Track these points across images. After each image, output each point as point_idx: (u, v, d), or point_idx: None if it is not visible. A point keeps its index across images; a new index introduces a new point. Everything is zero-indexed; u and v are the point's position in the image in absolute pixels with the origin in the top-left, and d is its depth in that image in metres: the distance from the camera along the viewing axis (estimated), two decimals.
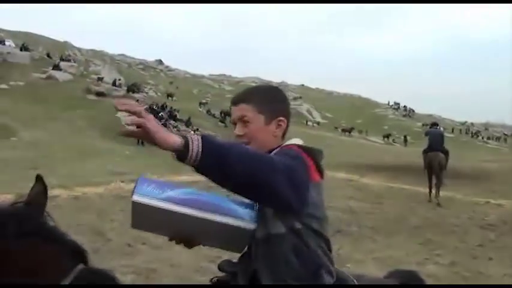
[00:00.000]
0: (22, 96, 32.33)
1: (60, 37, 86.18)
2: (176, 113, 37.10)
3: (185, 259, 5.56)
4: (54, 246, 1.11)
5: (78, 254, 1.16)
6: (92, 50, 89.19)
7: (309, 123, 67.58)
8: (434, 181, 11.53)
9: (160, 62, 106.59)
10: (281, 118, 1.77)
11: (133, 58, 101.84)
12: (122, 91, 40.98)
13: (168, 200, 1.44)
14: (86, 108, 32.41)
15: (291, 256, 1.57)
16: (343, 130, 64.59)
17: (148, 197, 1.42)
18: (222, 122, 42.39)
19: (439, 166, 11.48)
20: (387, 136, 66.13)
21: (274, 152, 1.66)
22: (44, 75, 40.78)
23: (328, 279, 1.63)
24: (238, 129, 1.76)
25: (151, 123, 1.28)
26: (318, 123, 71.91)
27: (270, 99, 1.80)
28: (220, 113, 43.55)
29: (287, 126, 1.81)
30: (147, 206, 1.43)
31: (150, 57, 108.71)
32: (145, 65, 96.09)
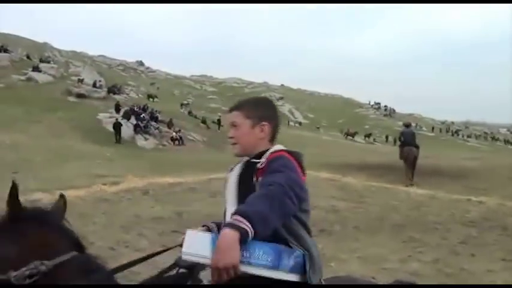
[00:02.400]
0: (1, 98, 31.89)
1: (39, 38, 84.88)
2: (158, 114, 36.91)
3: (170, 262, 5.50)
4: (60, 236, 1.60)
5: (78, 246, 1.63)
6: (72, 51, 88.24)
7: (291, 123, 67.76)
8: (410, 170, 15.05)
9: (141, 63, 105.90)
10: (264, 123, 2.05)
11: (113, 59, 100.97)
12: (103, 92, 40.69)
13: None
14: (67, 110, 32.11)
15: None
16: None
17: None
18: (203, 122, 42.29)
19: (413, 157, 15.12)
20: (368, 135, 66.53)
21: (269, 160, 1.92)
22: (23, 77, 40.35)
23: None
24: (230, 132, 2.09)
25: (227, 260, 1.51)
26: (300, 123, 72.16)
27: (257, 107, 2.12)
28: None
29: (275, 130, 2.10)
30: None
31: (131, 58, 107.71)
32: (125, 66, 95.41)
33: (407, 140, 15.52)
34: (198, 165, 18.03)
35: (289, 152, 1.97)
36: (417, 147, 15.49)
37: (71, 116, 30.43)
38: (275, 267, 1.62)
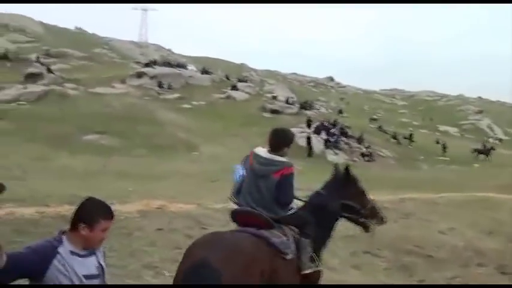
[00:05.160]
0: (203, 114, 34.77)
1: (237, 60, 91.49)
2: (347, 129, 36.70)
3: None
4: None
5: None
6: (266, 70, 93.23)
7: (490, 139, 61.88)
8: None
9: (331, 79, 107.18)
10: None
11: (304, 76, 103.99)
12: (295, 108, 41.88)
13: None
14: (262, 125, 33.66)
15: None
16: None
17: None
18: (394, 138, 40.90)
19: None
20: None
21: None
22: (223, 95, 43.49)
23: None
24: None
25: None
26: (500, 139, 65.37)
27: None
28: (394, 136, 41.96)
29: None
30: None
31: (321, 75, 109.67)
32: (316, 83, 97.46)
33: None
34: (388, 183, 17.32)
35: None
36: None
37: (265, 131, 31.58)
38: None
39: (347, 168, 4.62)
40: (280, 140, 4.30)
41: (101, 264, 2.77)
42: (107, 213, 2.71)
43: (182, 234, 7.68)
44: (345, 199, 4.38)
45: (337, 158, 30.14)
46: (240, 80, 52.67)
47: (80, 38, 69.62)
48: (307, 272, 3.94)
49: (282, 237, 3.88)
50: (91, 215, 2.65)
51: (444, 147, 39.18)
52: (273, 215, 3.99)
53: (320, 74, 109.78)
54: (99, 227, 2.65)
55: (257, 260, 3.49)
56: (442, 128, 66.05)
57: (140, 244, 7.16)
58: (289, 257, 3.82)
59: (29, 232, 7.20)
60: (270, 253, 3.68)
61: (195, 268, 3.21)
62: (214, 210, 9.67)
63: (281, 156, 4.18)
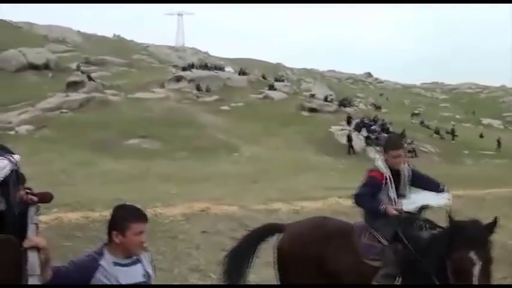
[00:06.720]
0: (242, 115, 34.80)
1: (273, 59, 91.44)
2: (388, 125, 36.04)
3: None
4: None
5: None
6: (303, 68, 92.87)
7: None
8: None
9: (369, 74, 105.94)
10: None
11: (342, 73, 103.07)
12: (334, 106, 41.46)
13: None
14: (300, 124, 33.49)
15: None
16: None
17: None
18: (436, 133, 39.97)
19: None
20: None
21: None
22: (260, 96, 43.43)
23: None
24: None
25: None
26: None
27: None
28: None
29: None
30: None
31: (359, 71, 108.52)
32: (354, 79, 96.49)
33: None
34: None
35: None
36: None
37: (304, 130, 31.61)
38: None
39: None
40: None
41: (147, 272, 2.73)
42: (136, 216, 2.68)
43: (226, 236, 7.65)
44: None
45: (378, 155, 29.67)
46: (277, 80, 52.54)
47: (119, 45, 70.94)
48: None
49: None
50: (120, 220, 2.65)
51: (499, 143, 37.69)
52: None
53: (358, 70, 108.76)
54: (131, 231, 2.62)
55: None
56: (486, 120, 64.33)
57: (185, 247, 7.17)
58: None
59: (76, 237, 7.31)
60: None
61: None
62: (256, 211, 9.63)
63: (381, 159, 4.38)
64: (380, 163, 4.29)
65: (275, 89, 45.39)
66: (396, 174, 4.23)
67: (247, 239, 4.60)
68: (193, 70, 47.86)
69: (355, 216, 9.43)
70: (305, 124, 33.50)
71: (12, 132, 25.02)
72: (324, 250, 4.15)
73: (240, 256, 4.47)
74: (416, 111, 56.96)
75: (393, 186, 4.17)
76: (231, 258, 4.48)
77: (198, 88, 42.58)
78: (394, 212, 4.01)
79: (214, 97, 40.85)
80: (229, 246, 7.10)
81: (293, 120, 34.65)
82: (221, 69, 52.01)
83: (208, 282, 5.90)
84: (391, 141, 4.55)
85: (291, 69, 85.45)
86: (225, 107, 38.03)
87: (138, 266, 2.70)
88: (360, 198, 4.27)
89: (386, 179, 4.16)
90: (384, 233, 4.11)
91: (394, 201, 4.14)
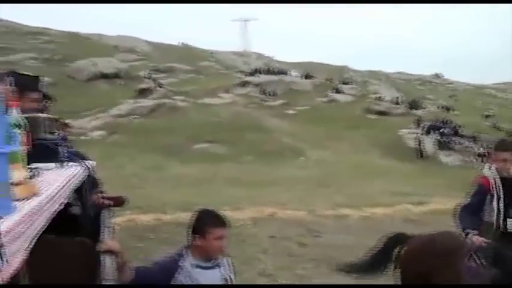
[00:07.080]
0: (308, 119, 34.65)
1: (338, 62, 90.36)
2: (460, 128, 34.68)
3: None
4: None
5: None
6: (368, 70, 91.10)
7: None
8: None
9: (437, 75, 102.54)
10: None
11: (410, 74, 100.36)
12: (402, 108, 40.47)
13: None
14: (367, 127, 32.90)
15: None
16: None
17: None
18: (511, 135, 38.01)
19: None
20: None
21: None
22: (325, 99, 43.11)
23: None
24: None
25: None
26: None
27: None
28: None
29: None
30: None
31: (427, 72, 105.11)
32: (422, 80, 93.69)
33: None
34: None
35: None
36: None
37: (371, 133, 31.03)
38: None
39: None
40: None
41: (227, 276, 2.82)
42: (217, 221, 2.77)
43: (294, 242, 7.61)
44: None
45: (450, 159, 28.60)
46: (343, 83, 51.93)
47: (186, 53, 72.48)
48: None
49: None
50: (201, 225, 2.75)
51: None
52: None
53: (425, 71, 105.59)
54: (211, 236, 2.70)
55: None
56: None
57: (253, 251, 7.19)
58: None
59: (148, 238, 7.51)
60: None
61: None
62: (324, 216, 9.53)
63: (487, 165, 4.12)
64: (486, 169, 3.95)
65: (341, 92, 44.93)
66: (509, 184, 3.77)
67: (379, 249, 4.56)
68: (259, 75, 48.21)
69: (425, 224, 9.15)
70: (372, 127, 32.88)
71: (85, 138, 26.10)
72: (431, 268, 3.88)
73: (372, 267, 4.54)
74: (487, 113, 54.41)
75: (502, 196, 3.75)
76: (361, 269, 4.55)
77: (264, 92, 42.83)
78: (482, 244, 3.61)
79: (280, 101, 40.95)
80: (297, 252, 7.08)
81: (360, 123, 34.12)
82: (285, 73, 52.05)
83: None
84: (499, 143, 4.13)
85: (356, 71, 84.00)
86: (291, 111, 38.03)
87: (217, 270, 2.78)
88: (460, 213, 3.91)
89: (493, 186, 3.78)
90: (484, 254, 3.66)
91: (500, 212, 3.75)
